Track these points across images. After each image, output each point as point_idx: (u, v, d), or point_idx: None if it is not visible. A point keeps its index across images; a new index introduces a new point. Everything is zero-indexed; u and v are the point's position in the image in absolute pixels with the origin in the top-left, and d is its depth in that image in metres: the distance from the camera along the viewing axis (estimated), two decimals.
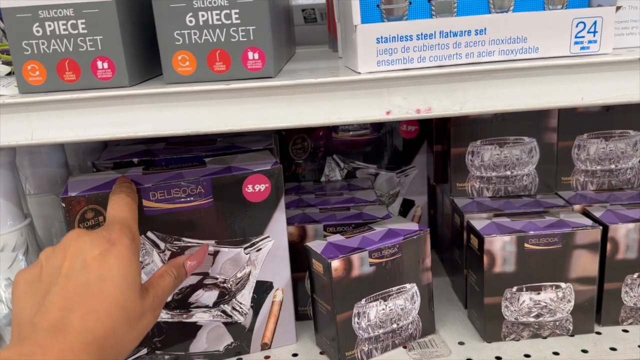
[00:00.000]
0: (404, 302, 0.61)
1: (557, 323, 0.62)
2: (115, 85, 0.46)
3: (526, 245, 0.59)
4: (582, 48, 0.48)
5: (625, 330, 0.62)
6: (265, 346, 0.63)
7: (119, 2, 0.44)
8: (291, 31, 0.70)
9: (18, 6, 0.44)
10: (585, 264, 0.60)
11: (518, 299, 0.61)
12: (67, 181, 0.56)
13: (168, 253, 0.57)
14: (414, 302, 0.62)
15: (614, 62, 0.46)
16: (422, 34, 0.46)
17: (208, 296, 0.60)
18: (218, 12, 0.44)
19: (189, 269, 0.50)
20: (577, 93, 0.47)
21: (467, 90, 0.46)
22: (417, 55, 0.46)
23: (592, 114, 0.67)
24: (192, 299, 0.59)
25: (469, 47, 0.47)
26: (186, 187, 0.55)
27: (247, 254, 0.59)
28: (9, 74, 0.55)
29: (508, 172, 0.69)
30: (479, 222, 0.63)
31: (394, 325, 0.61)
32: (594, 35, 0.48)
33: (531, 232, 0.59)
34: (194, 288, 0.59)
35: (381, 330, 0.60)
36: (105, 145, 0.75)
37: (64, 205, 0.52)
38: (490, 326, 0.62)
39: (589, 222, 0.60)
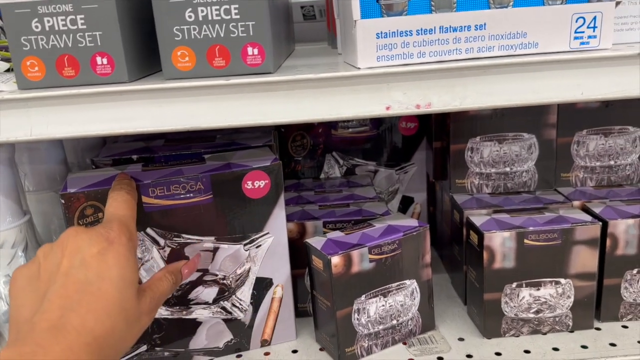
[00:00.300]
0: (404, 298, 0.61)
1: (557, 319, 0.62)
2: (114, 81, 0.46)
3: (526, 241, 0.59)
4: (582, 43, 0.48)
5: (624, 326, 0.62)
6: (265, 343, 0.63)
7: None
8: (290, 28, 0.70)
9: (17, 1, 0.44)
10: (585, 259, 0.60)
11: (518, 295, 0.61)
12: (67, 178, 0.56)
13: (168, 250, 0.57)
14: (414, 299, 0.62)
15: (614, 57, 0.46)
16: (422, 29, 0.46)
17: (208, 293, 0.59)
18: (217, 7, 0.44)
19: (185, 275, 0.50)
20: (576, 88, 0.47)
21: (467, 85, 0.46)
22: (416, 50, 0.46)
23: (591, 110, 0.67)
24: (191, 295, 0.59)
25: (469, 42, 0.47)
26: (185, 183, 0.55)
27: (246, 251, 0.59)
28: (8, 70, 0.55)
29: (507, 169, 0.69)
30: (478, 218, 0.63)
31: (394, 322, 0.61)
32: (594, 31, 0.48)
33: (531, 228, 0.59)
34: (193, 285, 0.59)
35: (381, 327, 0.60)
36: (104, 142, 0.75)
37: (63, 201, 0.52)
38: (490, 322, 0.62)
39: (588, 218, 0.61)
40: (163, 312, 0.59)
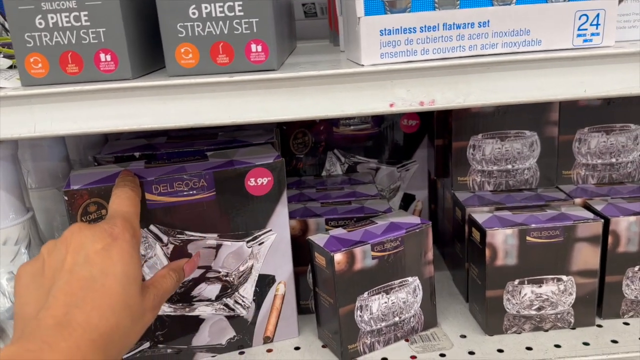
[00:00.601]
0: (406, 295, 0.61)
1: (559, 316, 0.62)
2: (118, 78, 0.46)
3: (528, 238, 0.59)
4: (585, 41, 0.48)
5: (626, 323, 0.63)
6: (267, 339, 0.63)
7: None
8: (292, 25, 0.70)
9: None
10: (587, 257, 0.60)
11: (520, 292, 0.61)
12: (70, 174, 0.56)
13: (171, 247, 0.57)
14: (416, 296, 0.62)
15: (617, 55, 0.47)
16: (425, 26, 0.46)
17: (210, 290, 0.60)
18: (221, 4, 0.44)
19: (186, 273, 0.50)
20: (580, 85, 0.47)
21: (471, 82, 0.46)
22: (420, 47, 0.46)
23: (593, 107, 0.67)
24: (194, 292, 0.59)
25: (472, 39, 0.47)
26: (189, 180, 0.55)
27: (249, 248, 0.59)
28: (10, 67, 0.55)
29: (509, 166, 0.69)
30: (480, 215, 0.63)
31: (396, 319, 0.61)
32: (597, 28, 0.48)
33: (533, 225, 0.59)
34: (196, 282, 0.59)
35: (383, 324, 0.60)
36: (106, 140, 0.75)
37: (66, 198, 0.52)
38: (492, 319, 0.62)
39: (590, 215, 0.61)
40: (166, 309, 0.59)
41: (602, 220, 0.60)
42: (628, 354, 0.57)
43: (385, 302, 0.60)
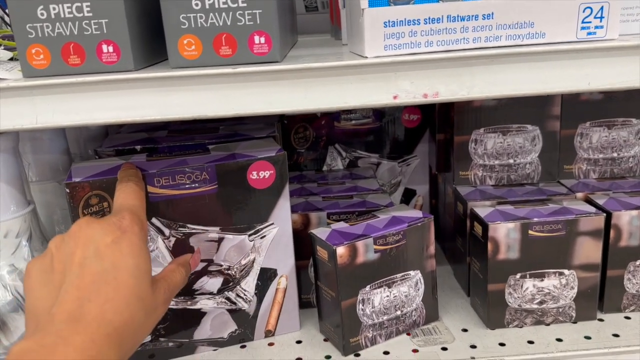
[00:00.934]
0: (408, 289, 0.61)
1: (560, 310, 0.62)
2: (120, 70, 0.46)
3: (530, 232, 0.59)
4: (589, 33, 0.48)
5: (627, 317, 0.63)
6: (269, 333, 0.63)
7: None
8: (294, 19, 0.70)
9: None
10: (589, 251, 0.60)
11: (521, 286, 0.61)
12: (71, 167, 0.55)
13: (173, 240, 0.56)
14: (418, 289, 0.62)
15: (621, 48, 0.46)
16: (429, 18, 0.46)
17: (212, 283, 0.59)
18: None
19: (192, 267, 0.50)
20: (584, 78, 0.47)
21: (475, 75, 0.46)
22: (424, 39, 0.46)
23: (595, 102, 0.67)
24: (196, 285, 0.59)
25: (476, 31, 0.46)
26: (191, 173, 0.55)
27: (251, 241, 0.59)
28: (11, 59, 0.55)
29: (511, 160, 0.69)
30: (482, 209, 0.63)
31: (398, 312, 0.61)
32: (601, 21, 0.48)
33: (535, 219, 0.59)
34: (198, 275, 0.59)
35: (385, 317, 0.60)
36: (106, 133, 0.75)
37: (68, 191, 0.52)
38: (494, 313, 0.62)
39: (592, 209, 0.61)
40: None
41: (604, 214, 0.60)
42: (629, 348, 0.57)
43: (387, 296, 0.60)
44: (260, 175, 0.57)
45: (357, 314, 0.59)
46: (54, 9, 0.44)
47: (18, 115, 0.45)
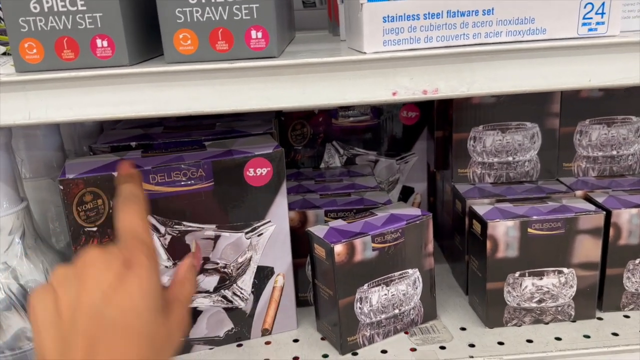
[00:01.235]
0: (406, 287, 0.60)
1: (559, 308, 0.61)
2: (115, 65, 0.45)
3: (529, 230, 0.59)
4: (590, 30, 0.47)
5: (626, 316, 0.62)
6: (265, 332, 0.62)
7: None
8: (292, 14, 0.69)
9: None
10: (588, 249, 0.60)
11: (520, 285, 0.60)
12: (65, 163, 0.55)
13: (168, 237, 0.56)
14: (416, 288, 0.61)
15: (623, 44, 0.46)
16: (429, 14, 0.45)
17: (208, 281, 0.59)
18: None
19: (197, 268, 0.48)
20: (585, 75, 0.46)
21: (475, 71, 0.45)
22: (424, 35, 0.45)
23: (594, 99, 0.66)
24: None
25: (476, 27, 0.46)
26: (187, 170, 0.54)
27: (248, 239, 0.58)
28: (4, 53, 0.54)
29: (510, 158, 0.68)
30: (481, 207, 0.62)
31: (396, 311, 0.61)
32: (602, 17, 0.47)
33: (534, 217, 0.59)
34: None
35: (383, 316, 0.60)
36: (101, 130, 0.74)
37: (61, 187, 0.51)
38: (492, 312, 0.61)
39: (592, 207, 0.60)
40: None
41: (604, 213, 0.59)
42: (629, 347, 0.57)
43: (385, 294, 0.59)
44: (257, 172, 0.56)
45: (354, 313, 0.58)
46: (47, 2, 0.43)
47: (10, 110, 0.44)
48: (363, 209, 0.64)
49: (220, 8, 0.44)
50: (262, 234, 0.59)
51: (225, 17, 0.44)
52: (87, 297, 0.37)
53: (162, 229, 0.55)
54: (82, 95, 0.44)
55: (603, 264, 0.61)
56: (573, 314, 0.62)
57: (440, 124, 0.74)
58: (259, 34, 0.45)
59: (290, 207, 0.64)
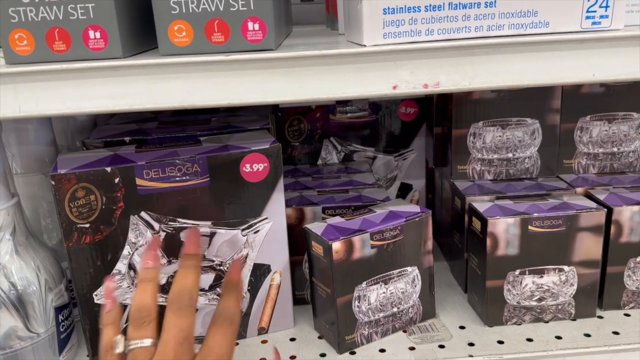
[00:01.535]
0: (405, 285, 0.60)
1: (560, 307, 0.61)
2: (107, 57, 0.44)
3: (530, 227, 0.58)
4: (594, 23, 0.47)
5: (627, 315, 0.62)
6: (262, 330, 0.61)
7: None
8: (289, 7, 0.68)
9: None
10: (589, 247, 0.59)
11: (520, 283, 0.59)
12: (57, 158, 0.53)
13: (163, 234, 0.55)
14: (415, 286, 0.60)
15: (627, 38, 0.45)
16: (430, 6, 0.44)
17: (204, 279, 0.58)
18: None
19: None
20: (588, 69, 0.46)
21: (477, 64, 0.44)
22: (425, 27, 0.44)
23: (595, 95, 0.66)
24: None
25: (479, 20, 0.45)
26: (181, 165, 0.53)
27: (244, 236, 0.57)
28: None
29: (510, 155, 0.67)
30: (481, 204, 0.61)
31: (395, 309, 0.60)
32: (606, 10, 0.46)
33: (535, 215, 0.58)
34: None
35: (381, 314, 0.59)
36: (94, 125, 0.72)
37: (53, 183, 0.50)
38: (492, 310, 0.60)
39: (593, 204, 0.59)
40: (158, 299, 0.57)
41: (606, 210, 0.58)
42: (630, 346, 0.56)
43: (384, 293, 0.58)
44: (254, 168, 0.55)
45: (352, 311, 0.57)
46: None
47: (0, 103, 0.43)
48: (361, 206, 0.63)
49: None
50: (258, 231, 0.57)
51: (221, 8, 0.43)
52: None
53: (156, 225, 0.54)
54: (74, 88, 0.43)
55: (604, 261, 0.61)
56: (573, 312, 0.61)
57: (439, 119, 0.73)
58: (256, 26, 0.44)
59: (288, 203, 0.63)
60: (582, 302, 0.61)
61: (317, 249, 0.57)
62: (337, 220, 0.59)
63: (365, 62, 0.44)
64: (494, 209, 0.60)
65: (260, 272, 0.59)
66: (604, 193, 0.63)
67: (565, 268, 0.59)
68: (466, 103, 0.66)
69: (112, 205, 0.53)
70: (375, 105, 0.77)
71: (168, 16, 0.43)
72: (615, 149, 0.68)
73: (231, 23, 0.43)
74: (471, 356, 0.56)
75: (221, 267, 0.58)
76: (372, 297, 0.58)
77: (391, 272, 0.58)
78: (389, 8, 0.43)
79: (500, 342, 0.58)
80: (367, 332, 0.59)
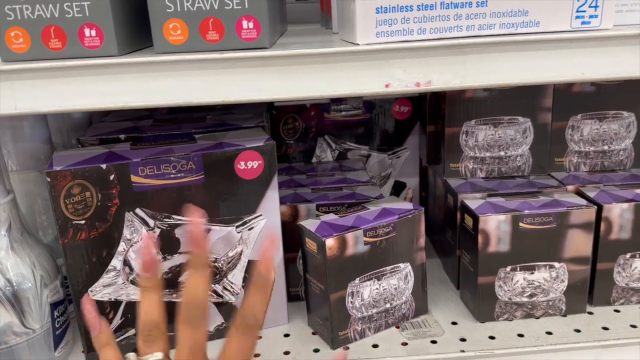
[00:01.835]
0: (398, 281, 0.60)
1: (550, 303, 0.61)
2: (103, 55, 0.44)
3: (521, 224, 0.59)
4: (583, 23, 0.47)
5: (616, 310, 0.63)
6: None
7: None
8: (283, 6, 0.69)
9: None
10: (579, 243, 0.60)
11: (512, 279, 0.60)
12: (52, 155, 0.54)
13: (157, 231, 0.55)
14: (408, 282, 0.61)
15: (615, 37, 0.46)
16: (422, 5, 0.45)
17: None
18: None
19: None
20: (578, 68, 0.46)
21: (468, 63, 0.45)
22: (417, 26, 0.45)
23: (586, 94, 0.66)
24: (182, 278, 0.58)
25: (470, 19, 0.46)
26: (176, 162, 0.54)
27: (238, 233, 0.58)
28: None
29: (502, 153, 0.68)
30: (473, 201, 0.62)
31: (387, 305, 0.60)
32: (595, 10, 0.47)
33: (526, 212, 0.58)
34: (184, 267, 0.58)
35: (374, 310, 0.60)
36: (90, 122, 0.73)
37: (49, 179, 0.51)
38: (484, 306, 0.61)
39: (583, 201, 0.60)
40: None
41: (596, 207, 0.59)
42: (619, 341, 0.57)
43: (377, 289, 0.59)
44: (248, 165, 0.56)
45: (346, 307, 0.58)
46: None
47: None
48: (355, 203, 0.63)
49: None
50: (252, 227, 0.58)
51: (216, 7, 0.44)
52: None
53: (150, 222, 0.55)
54: (69, 85, 0.44)
55: (594, 258, 0.61)
56: (564, 308, 0.62)
57: (432, 118, 0.74)
58: (250, 24, 0.44)
59: (282, 201, 0.64)
60: (572, 298, 0.62)
61: (311, 245, 0.57)
62: (330, 217, 0.60)
63: (358, 61, 0.44)
64: (486, 206, 0.60)
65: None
66: (595, 191, 0.64)
67: (556, 264, 0.60)
68: (459, 102, 0.66)
69: (107, 202, 0.53)
70: (370, 104, 0.78)
71: (163, 14, 0.44)
72: (605, 147, 0.69)
73: (226, 21, 0.44)
74: (463, 351, 0.57)
75: (216, 264, 0.58)
76: (365, 293, 0.58)
77: (384, 268, 0.59)
78: (381, 7, 0.44)
79: (492, 338, 0.59)
80: (360, 328, 0.59)
